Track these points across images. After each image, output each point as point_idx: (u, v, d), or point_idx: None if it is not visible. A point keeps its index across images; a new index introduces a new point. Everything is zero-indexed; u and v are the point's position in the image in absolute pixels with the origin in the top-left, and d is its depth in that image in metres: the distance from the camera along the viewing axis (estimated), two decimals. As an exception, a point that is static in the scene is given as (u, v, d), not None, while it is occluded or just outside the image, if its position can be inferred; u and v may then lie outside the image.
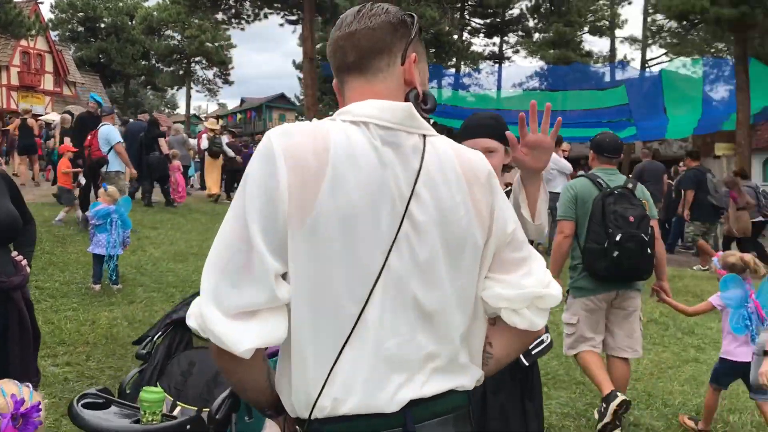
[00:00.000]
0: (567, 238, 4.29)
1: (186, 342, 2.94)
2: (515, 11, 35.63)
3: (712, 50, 29.08)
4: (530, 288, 1.37)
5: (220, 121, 22.28)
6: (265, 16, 25.25)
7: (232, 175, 16.64)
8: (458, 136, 2.57)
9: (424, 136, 1.34)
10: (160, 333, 2.88)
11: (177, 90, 50.79)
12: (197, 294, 3.15)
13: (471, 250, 1.34)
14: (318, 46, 30.68)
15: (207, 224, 11.39)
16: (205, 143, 15.98)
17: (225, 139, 16.52)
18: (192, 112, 48.53)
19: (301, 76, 45.45)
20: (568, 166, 10.03)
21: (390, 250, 1.25)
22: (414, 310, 1.28)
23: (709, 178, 10.90)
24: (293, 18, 24.93)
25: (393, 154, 1.28)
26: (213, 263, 1.22)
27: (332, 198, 1.21)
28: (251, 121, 47.92)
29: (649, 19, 32.43)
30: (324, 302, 1.23)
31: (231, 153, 16.14)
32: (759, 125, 23.05)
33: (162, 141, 12.15)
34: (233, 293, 1.18)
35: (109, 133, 9.73)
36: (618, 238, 4.01)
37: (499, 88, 33.68)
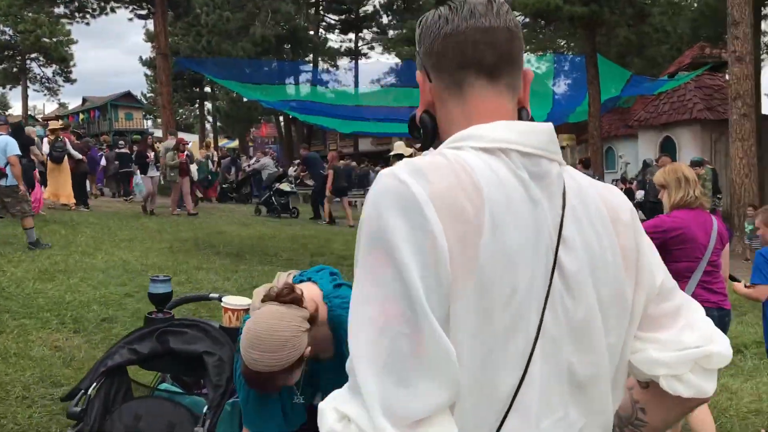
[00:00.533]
0: None
1: (125, 392, 2.50)
2: (369, 8, 35.85)
3: (555, 47, 30.79)
4: (692, 347, 1.13)
5: (61, 122, 20.50)
6: (113, 11, 23.60)
7: (79, 180, 15.29)
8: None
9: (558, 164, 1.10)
10: (94, 384, 2.41)
11: (10, 89, 46.60)
12: (139, 330, 2.61)
13: (620, 304, 1.10)
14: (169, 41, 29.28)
15: (68, 236, 10.40)
16: (46, 147, 14.40)
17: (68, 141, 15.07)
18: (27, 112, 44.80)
19: (149, 72, 43.44)
20: None
21: (544, 309, 1.00)
22: (568, 380, 1.04)
23: None
24: (143, 12, 23.51)
25: (539, 188, 1.03)
26: (367, 357, 0.89)
27: (494, 250, 0.95)
28: (95, 120, 44.93)
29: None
30: (483, 378, 0.96)
31: (78, 155, 14.84)
32: (601, 116, 24.67)
33: (35, 149, 10.95)
34: (405, 395, 0.87)
35: (8, 144, 8.82)
36: None
37: (356, 84, 33.83)
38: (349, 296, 2.23)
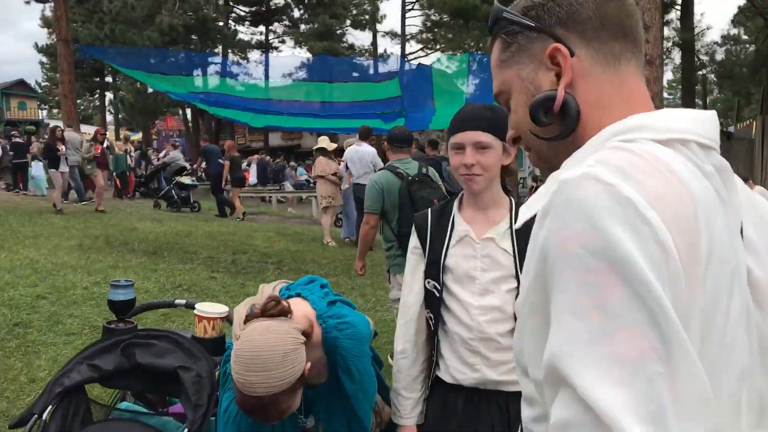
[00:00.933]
0: (372, 229, 4.85)
1: (83, 413, 2.18)
2: (280, 1, 35.20)
3: (464, 47, 31.21)
4: None
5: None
6: (8, -9, 22.09)
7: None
8: (447, 131, 2.16)
9: None
10: (49, 407, 2.09)
11: None
12: (99, 343, 2.26)
13: None
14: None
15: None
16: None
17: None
18: None
19: (45, 60, 41.10)
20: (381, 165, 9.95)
21: None
22: (758, 408, 0.89)
23: (444, 166, 11.90)
24: (41, -6, 22.13)
25: (723, 185, 0.87)
26: (625, 407, 0.66)
27: (713, 259, 0.78)
28: (-16, 110, 42.11)
29: (423, 16, 33.87)
30: None
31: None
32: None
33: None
34: None
35: None
36: None
37: (266, 77, 33.17)
38: (344, 315, 1.96)
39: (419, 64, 26.67)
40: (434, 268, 2.11)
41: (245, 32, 36.27)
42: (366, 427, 2.03)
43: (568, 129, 0.94)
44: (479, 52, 27.90)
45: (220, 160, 15.55)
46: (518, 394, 2.05)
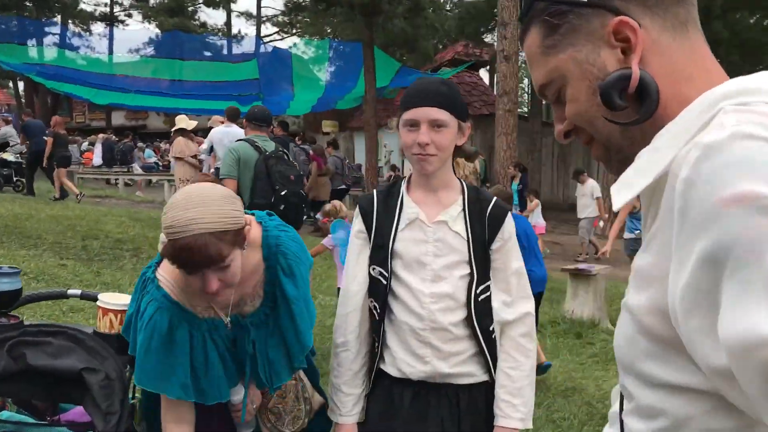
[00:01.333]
0: None
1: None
2: (126, -28, 33.19)
3: (322, 33, 31.03)
4: None
5: None
6: None
7: None
8: (400, 106, 1.98)
9: None
10: None
11: None
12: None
13: None
14: None
15: None
16: None
17: None
18: None
19: None
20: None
21: None
22: None
23: (291, 147, 12.41)
24: None
25: None
26: None
27: None
28: None
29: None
30: None
31: None
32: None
33: None
34: None
35: None
36: (284, 194, 4.61)
37: (110, 52, 30.97)
38: (287, 224, 1.88)
39: (275, 47, 26.20)
40: (381, 254, 1.94)
41: (88, 2, 33.96)
42: (308, 346, 1.89)
43: (650, 109, 0.84)
44: (337, 40, 27.83)
45: (44, 137, 14.20)
46: (469, 387, 1.95)
